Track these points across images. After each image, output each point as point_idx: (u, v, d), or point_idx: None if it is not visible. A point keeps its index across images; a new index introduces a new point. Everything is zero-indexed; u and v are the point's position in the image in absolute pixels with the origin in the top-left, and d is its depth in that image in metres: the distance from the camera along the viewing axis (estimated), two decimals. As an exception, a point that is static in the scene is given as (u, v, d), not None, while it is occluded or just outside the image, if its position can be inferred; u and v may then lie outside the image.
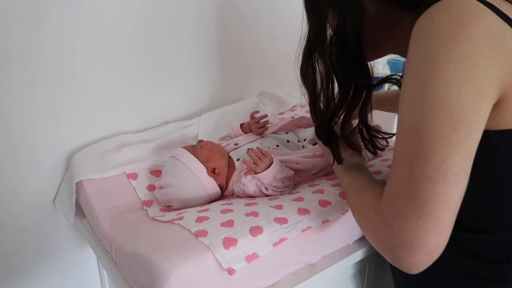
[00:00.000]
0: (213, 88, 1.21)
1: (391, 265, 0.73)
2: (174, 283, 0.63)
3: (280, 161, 0.86)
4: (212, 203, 0.86)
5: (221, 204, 0.82)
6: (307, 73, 0.66)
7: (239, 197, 0.89)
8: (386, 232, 0.52)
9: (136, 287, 0.70)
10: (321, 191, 0.82)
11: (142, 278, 0.67)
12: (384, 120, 1.01)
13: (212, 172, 0.89)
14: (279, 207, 0.77)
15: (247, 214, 0.75)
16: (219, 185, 0.90)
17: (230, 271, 0.66)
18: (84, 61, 0.95)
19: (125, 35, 1.00)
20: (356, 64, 0.61)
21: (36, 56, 0.89)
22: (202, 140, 0.98)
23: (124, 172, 0.94)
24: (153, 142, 1.03)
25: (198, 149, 0.92)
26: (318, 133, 0.73)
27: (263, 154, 0.86)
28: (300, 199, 0.80)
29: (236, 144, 1.01)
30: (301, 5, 0.64)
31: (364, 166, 0.73)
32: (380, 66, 1.55)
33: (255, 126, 1.02)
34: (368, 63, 0.63)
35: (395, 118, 1.18)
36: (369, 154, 0.91)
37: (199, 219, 0.74)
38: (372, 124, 0.71)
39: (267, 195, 0.86)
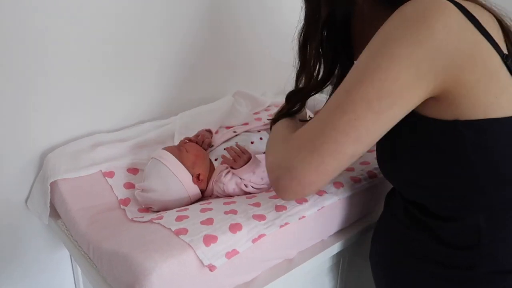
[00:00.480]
0: (189, 88, 1.22)
1: (369, 254, 0.77)
2: (156, 281, 0.63)
3: (258, 158, 0.88)
4: (191, 204, 0.86)
5: (200, 204, 0.83)
6: (302, 52, 0.72)
7: (217, 197, 0.90)
8: (282, 155, 0.59)
9: (116, 286, 0.70)
10: (298, 189, 0.85)
11: (123, 277, 0.67)
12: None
13: (197, 179, 0.88)
14: (257, 204, 0.79)
15: (226, 212, 0.76)
16: (201, 190, 0.90)
17: (211, 268, 0.67)
18: (55, 60, 0.93)
19: (99, 34, 0.99)
20: (343, 49, 0.67)
21: (4, 54, 0.86)
22: (186, 142, 0.96)
23: (100, 170, 0.93)
24: (129, 141, 1.02)
25: (184, 152, 0.90)
26: (290, 97, 0.80)
27: (242, 151, 0.88)
28: (277, 196, 0.82)
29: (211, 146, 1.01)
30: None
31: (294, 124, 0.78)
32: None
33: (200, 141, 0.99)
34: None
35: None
36: None
37: (179, 218, 0.75)
38: None
39: (246, 193, 0.87)
